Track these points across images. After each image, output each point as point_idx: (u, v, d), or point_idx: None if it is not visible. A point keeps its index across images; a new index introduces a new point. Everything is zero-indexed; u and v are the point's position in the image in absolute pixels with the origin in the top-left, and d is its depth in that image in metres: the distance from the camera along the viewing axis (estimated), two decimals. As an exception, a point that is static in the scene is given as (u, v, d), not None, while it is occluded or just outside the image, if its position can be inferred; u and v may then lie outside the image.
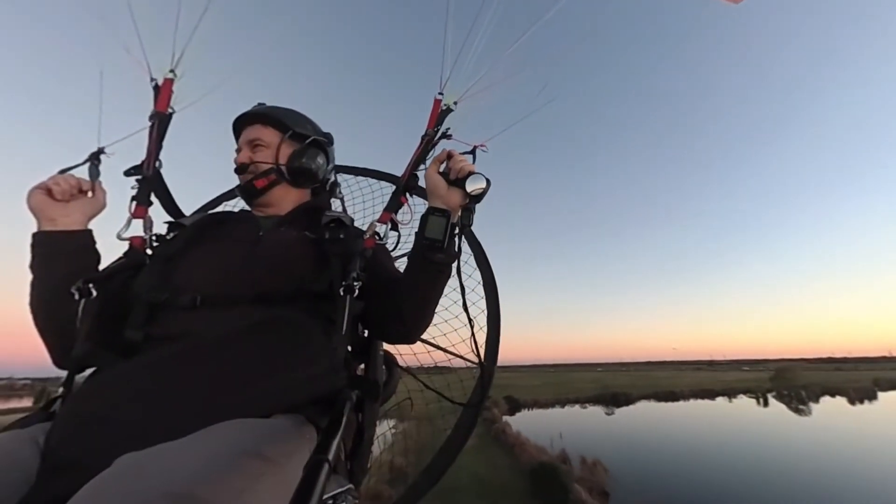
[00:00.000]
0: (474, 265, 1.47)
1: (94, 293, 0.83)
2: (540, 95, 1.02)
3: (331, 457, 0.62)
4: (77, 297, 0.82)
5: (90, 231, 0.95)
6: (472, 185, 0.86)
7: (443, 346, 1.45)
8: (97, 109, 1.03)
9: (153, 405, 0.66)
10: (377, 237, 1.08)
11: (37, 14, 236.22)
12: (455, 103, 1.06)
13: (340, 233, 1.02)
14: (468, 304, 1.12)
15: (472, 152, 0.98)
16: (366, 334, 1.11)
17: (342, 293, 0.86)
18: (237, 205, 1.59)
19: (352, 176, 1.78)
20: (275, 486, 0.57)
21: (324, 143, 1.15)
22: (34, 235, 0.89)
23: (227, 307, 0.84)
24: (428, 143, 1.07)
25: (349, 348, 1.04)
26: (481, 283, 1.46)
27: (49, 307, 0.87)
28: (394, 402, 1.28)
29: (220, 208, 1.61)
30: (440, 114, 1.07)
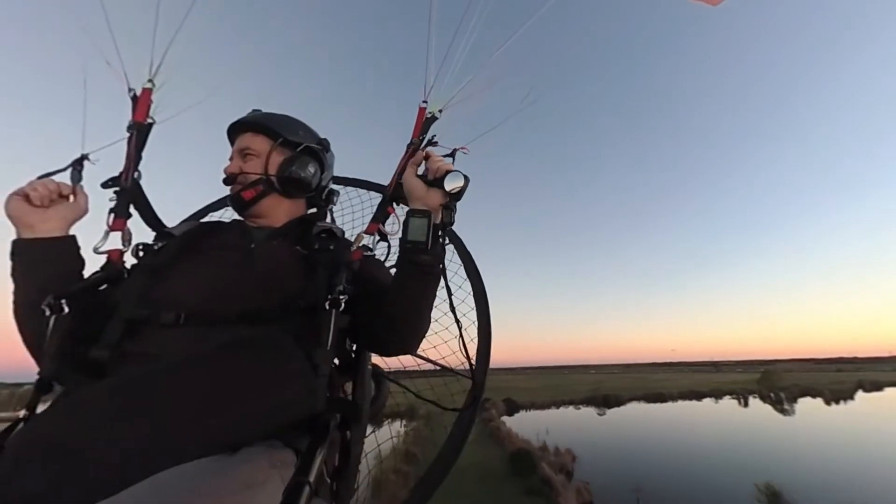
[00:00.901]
0: (464, 276, 1.37)
1: (66, 309, 0.73)
2: (524, 99, 0.94)
3: (312, 478, 0.57)
4: (48, 312, 0.72)
5: (72, 237, 0.86)
6: (451, 184, 0.80)
7: (434, 357, 1.33)
8: (82, 115, 0.94)
9: (109, 435, 0.56)
10: (366, 249, 0.99)
11: (25, 20, 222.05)
12: (440, 111, 0.98)
13: (331, 244, 0.94)
14: (460, 313, 1.03)
15: (452, 154, 0.90)
16: (353, 348, 1.02)
17: (328, 307, 0.77)
18: (224, 214, 1.49)
19: (340, 186, 1.69)
20: None
21: (318, 151, 1.05)
22: (13, 243, 0.81)
23: (210, 325, 0.75)
24: (413, 151, 0.98)
25: (336, 362, 0.94)
26: (472, 293, 1.35)
27: (30, 318, 0.78)
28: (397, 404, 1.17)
29: (211, 217, 1.51)
30: (425, 122, 0.99)
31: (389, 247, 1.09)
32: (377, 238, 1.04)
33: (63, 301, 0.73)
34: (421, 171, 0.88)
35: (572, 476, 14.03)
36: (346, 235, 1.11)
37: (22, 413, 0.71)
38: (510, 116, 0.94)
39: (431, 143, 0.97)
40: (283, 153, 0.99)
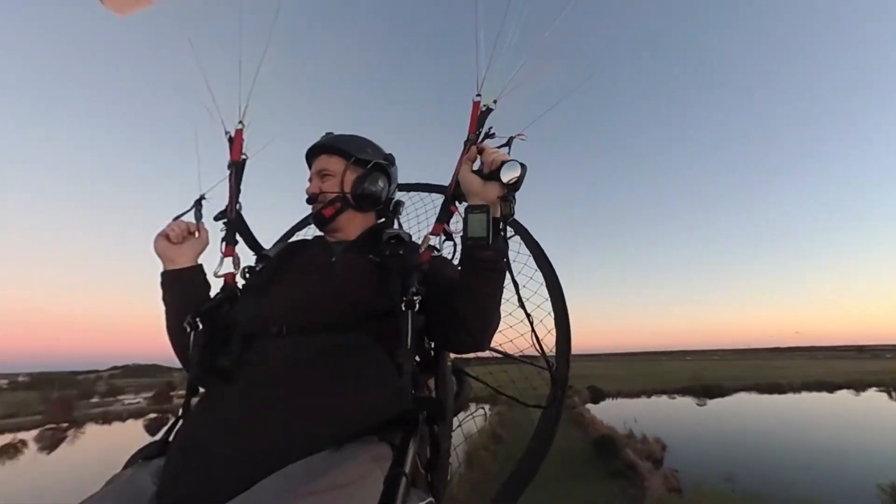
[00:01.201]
0: (535, 266, 1.30)
1: (201, 326, 0.88)
2: (586, 74, 0.84)
3: (408, 469, 0.62)
4: (188, 330, 0.88)
5: (200, 265, 1.03)
6: (507, 175, 0.77)
7: (512, 350, 1.29)
8: (196, 163, 1.10)
9: (236, 436, 0.69)
10: (433, 250, 1.00)
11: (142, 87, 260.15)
12: (494, 102, 0.94)
13: (400, 249, 0.98)
14: (535, 305, 0.97)
15: (509, 143, 0.86)
16: (432, 346, 1.04)
17: (403, 308, 0.81)
18: (307, 232, 1.63)
19: (404, 193, 1.73)
20: None
21: (385, 166, 1.10)
22: (161, 275, 0.99)
23: (306, 335, 0.84)
24: (470, 147, 0.96)
25: (417, 359, 0.97)
26: (544, 283, 1.27)
27: (177, 334, 0.95)
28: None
29: (298, 235, 1.67)
30: (480, 115, 0.96)
31: (455, 245, 1.08)
32: (443, 238, 1.04)
33: (198, 319, 0.88)
34: (477, 165, 0.85)
35: (661, 464, 13.74)
36: (415, 238, 1.14)
37: (179, 412, 0.87)
38: (569, 94, 0.86)
39: (489, 135, 0.94)
40: (355, 171, 1.05)
